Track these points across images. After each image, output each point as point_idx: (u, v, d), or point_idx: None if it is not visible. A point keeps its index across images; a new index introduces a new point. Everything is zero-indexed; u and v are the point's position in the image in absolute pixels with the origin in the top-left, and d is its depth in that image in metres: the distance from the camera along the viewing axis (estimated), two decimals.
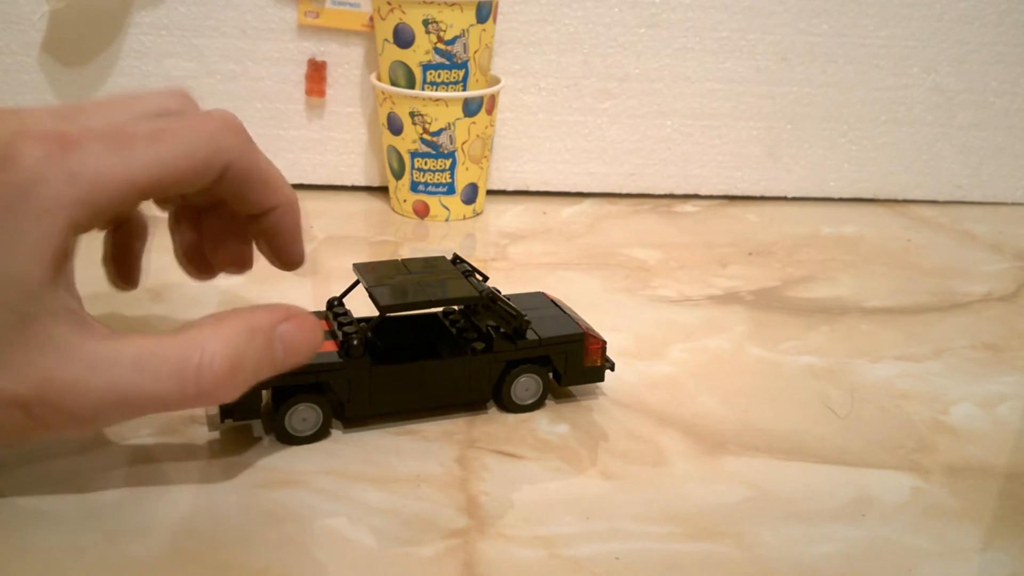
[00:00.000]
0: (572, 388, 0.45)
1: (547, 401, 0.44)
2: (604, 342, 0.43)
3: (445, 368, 0.41)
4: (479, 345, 0.42)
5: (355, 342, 0.39)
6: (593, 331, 0.43)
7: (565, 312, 0.45)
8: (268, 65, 0.71)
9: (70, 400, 0.30)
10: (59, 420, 0.31)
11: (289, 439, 0.39)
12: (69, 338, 0.30)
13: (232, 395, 0.33)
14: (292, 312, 0.35)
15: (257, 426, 0.40)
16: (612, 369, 0.44)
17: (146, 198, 0.34)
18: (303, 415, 0.39)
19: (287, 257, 0.40)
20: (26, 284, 0.30)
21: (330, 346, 0.40)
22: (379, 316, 0.40)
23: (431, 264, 0.44)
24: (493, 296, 0.41)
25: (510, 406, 0.43)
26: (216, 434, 0.39)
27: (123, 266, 0.41)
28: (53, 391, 0.30)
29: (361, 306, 0.46)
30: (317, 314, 0.43)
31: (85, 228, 0.32)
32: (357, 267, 0.43)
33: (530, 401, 0.43)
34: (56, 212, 0.30)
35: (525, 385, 0.42)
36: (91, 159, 0.31)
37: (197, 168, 0.33)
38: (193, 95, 0.39)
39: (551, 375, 0.43)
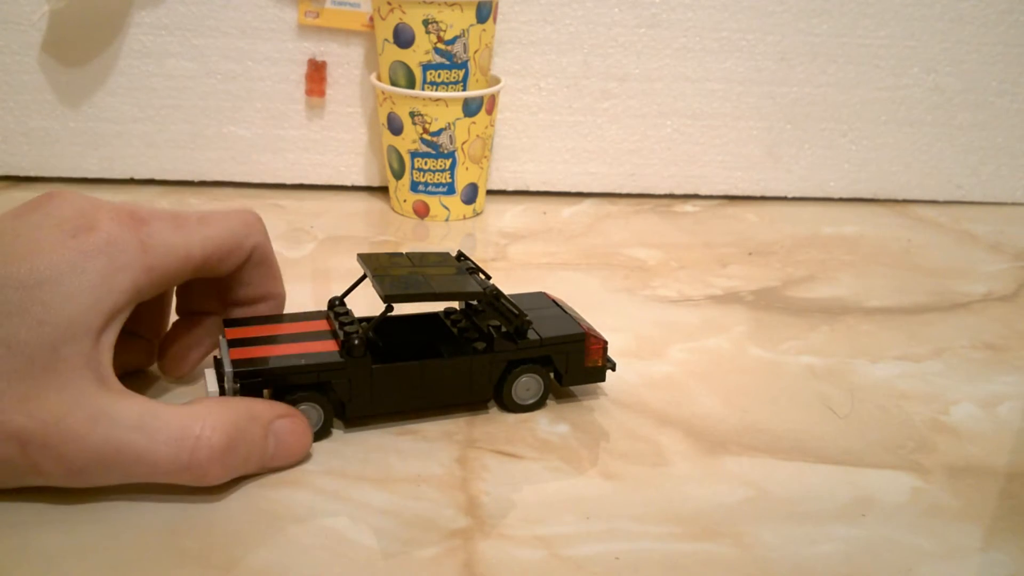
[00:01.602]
0: (573, 388, 0.45)
1: (547, 401, 0.44)
2: (605, 342, 0.43)
3: (446, 368, 0.41)
4: (480, 345, 0.42)
5: (356, 341, 0.39)
6: (594, 331, 0.43)
7: (566, 312, 0.45)
8: (268, 65, 0.71)
9: (68, 447, 0.32)
10: (51, 466, 0.32)
11: None
12: (87, 387, 0.33)
13: (220, 476, 0.35)
14: (290, 412, 0.38)
15: None
16: (613, 369, 0.44)
17: (197, 274, 0.38)
18: (305, 414, 0.39)
19: None
20: (75, 330, 0.33)
21: (331, 345, 0.40)
22: (381, 314, 0.40)
23: (436, 259, 0.44)
24: (496, 294, 0.41)
25: (511, 406, 0.43)
26: None
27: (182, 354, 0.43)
28: (55, 433, 0.32)
29: (362, 306, 0.47)
30: (318, 313, 0.43)
31: (145, 295, 0.36)
32: (362, 257, 0.43)
33: (531, 401, 0.43)
34: (125, 273, 0.34)
35: (526, 385, 0.42)
36: (159, 233, 0.36)
37: (235, 245, 0.39)
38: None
39: (552, 375, 0.43)
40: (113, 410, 0.33)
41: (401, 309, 0.44)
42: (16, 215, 0.35)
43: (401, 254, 0.44)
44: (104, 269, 0.34)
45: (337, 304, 0.43)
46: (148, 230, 0.36)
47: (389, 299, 0.39)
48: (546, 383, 0.43)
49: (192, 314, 0.43)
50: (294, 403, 0.38)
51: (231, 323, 0.41)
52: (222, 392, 0.38)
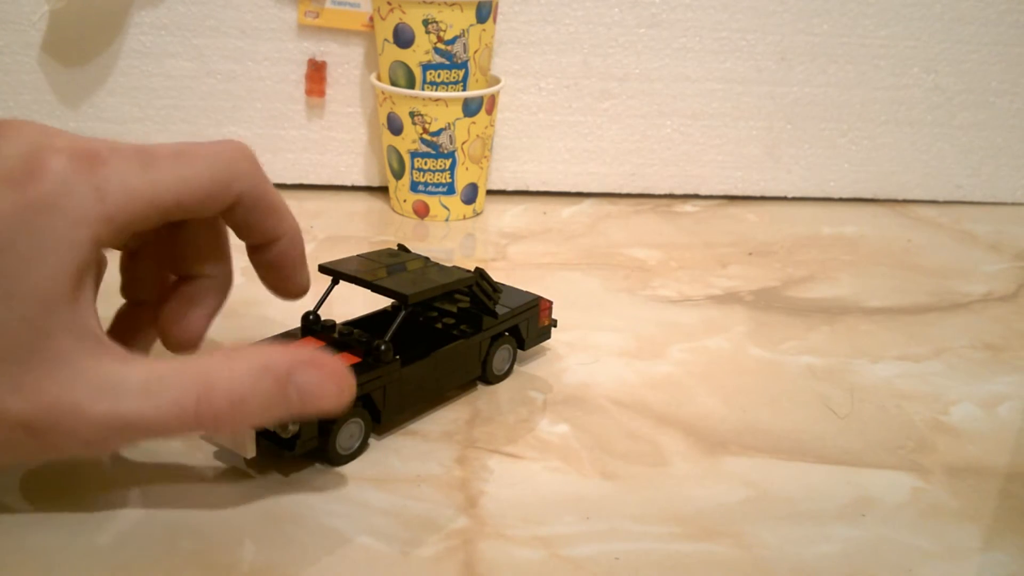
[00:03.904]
0: (572, 387, 0.45)
1: (547, 401, 0.44)
2: (551, 302, 0.47)
3: (452, 354, 0.42)
4: (466, 327, 0.43)
5: (382, 347, 0.38)
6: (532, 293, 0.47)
7: (501, 283, 0.48)
8: (268, 65, 0.71)
9: (75, 424, 0.30)
10: (65, 443, 0.30)
11: (338, 459, 0.38)
12: (82, 359, 0.30)
13: (236, 428, 0.32)
14: (317, 360, 0.32)
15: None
16: (555, 326, 0.48)
17: (168, 218, 0.33)
18: (350, 432, 0.38)
19: (292, 287, 0.39)
20: (46, 299, 0.29)
21: (349, 358, 0.39)
22: (403, 313, 0.39)
23: (389, 255, 0.44)
24: (483, 273, 0.43)
25: (492, 378, 0.45)
26: None
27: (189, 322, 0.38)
28: (59, 414, 0.30)
29: (334, 312, 0.46)
30: (292, 333, 0.42)
31: (107, 245, 0.32)
32: (327, 267, 0.42)
33: (505, 370, 0.46)
34: (81, 227, 0.30)
35: (502, 356, 0.45)
36: (117, 175, 0.31)
37: (216, 190, 0.33)
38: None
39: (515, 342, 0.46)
40: (115, 379, 0.30)
41: (363, 308, 0.45)
42: None
43: (362, 257, 0.43)
44: (59, 226, 0.29)
45: (312, 319, 0.41)
46: (105, 172, 0.30)
47: (415, 297, 0.39)
48: (514, 351, 0.46)
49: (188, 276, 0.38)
50: (342, 424, 0.37)
51: None
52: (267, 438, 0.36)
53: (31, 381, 0.29)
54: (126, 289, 0.38)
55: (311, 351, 0.33)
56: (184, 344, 0.37)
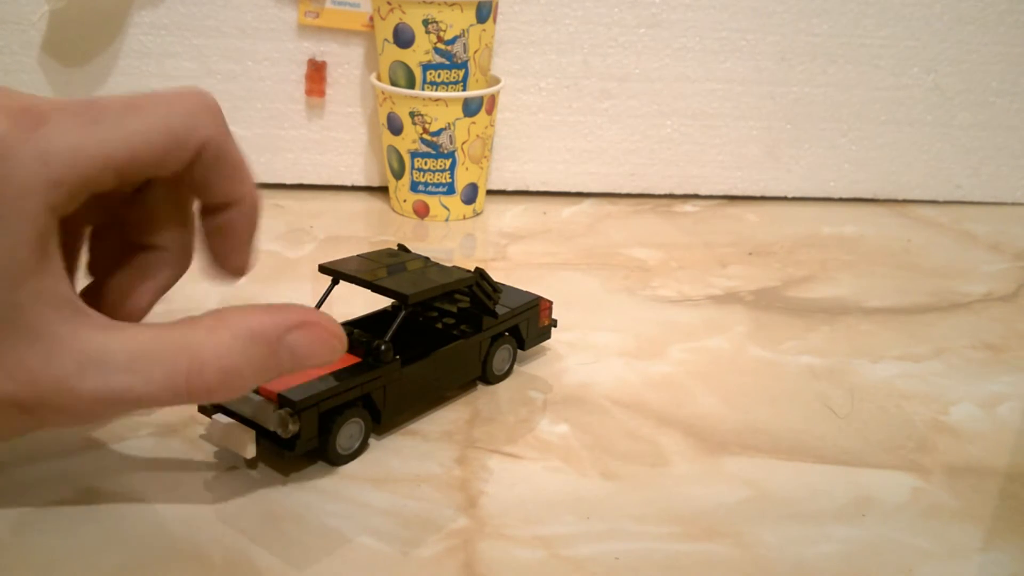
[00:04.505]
0: (572, 387, 0.45)
1: (547, 401, 0.44)
2: (551, 302, 0.47)
3: (453, 354, 0.42)
4: (466, 327, 0.43)
5: (382, 347, 0.38)
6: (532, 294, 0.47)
7: (501, 283, 0.48)
8: (268, 65, 0.71)
9: (64, 399, 0.29)
10: (57, 418, 0.30)
11: (338, 459, 0.38)
12: (60, 329, 0.28)
13: (228, 397, 0.31)
14: (306, 319, 0.32)
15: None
16: (555, 326, 0.48)
17: (124, 178, 0.30)
18: (350, 432, 0.38)
19: (234, 262, 0.36)
20: (9, 271, 0.27)
21: (348, 358, 0.39)
22: (403, 313, 0.39)
23: (389, 255, 0.44)
24: (483, 273, 0.43)
25: (491, 378, 0.45)
26: None
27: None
28: (46, 390, 0.29)
29: (335, 312, 0.46)
30: None
31: (66, 209, 0.29)
32: (327, 267, 0.42)
33: (505, 370, 0.45)
34: (29, 196, 0.27)
35: (502, 356, 0.45)
36: (60, 134, 0.28)
37: (174, 144, 0.31)
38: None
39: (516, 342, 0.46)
40: (99, 352, 0.29)
41: (363, 308, 0.45)
42: None
43: (362, 257, 0.43)
44: (3, 197, 0.27)
45: None
46: (46, 131, 0.28)
47: (415, 297, 0.39)
48: (513, 351, 0.46)
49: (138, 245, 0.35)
50: (342, 423, 0.37)
51: None
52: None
53: (10, 358, 0.28)
54: (92, 266, 0.36)
55: (299, 311, 0.32)
56: (126, 319, 0.34)
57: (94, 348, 0.29)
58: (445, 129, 0.65)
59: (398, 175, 0.69)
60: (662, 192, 0.77)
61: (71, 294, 0.29)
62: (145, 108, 0.30)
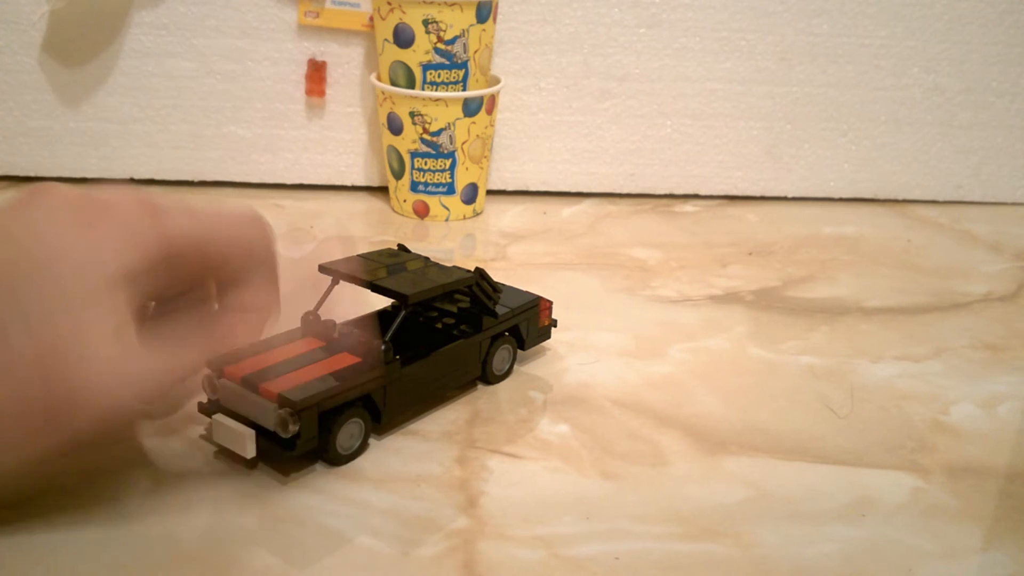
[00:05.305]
0: (572, 387, 0.45)
1: (547, 401, 0.44)
2: (551, 302, 0.47)
3: (453, 353, 0.42)
4: (466, 327, 0.43)
5: (382, 347, 0.38)
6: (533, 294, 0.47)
7: (501, 283, 0.48)
8: (268, 65, 0.71)
9: (88, 416, 0.32)
10: (86, 429, 0.32)
11: (338, 459, 0.38)
12: (100, 349, 0.32)
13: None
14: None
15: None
16: (555, 325, 0.48)
17: (208, 265, 0.36)
18: (350, 431, 0.38)
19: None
20: (103, 273, 0.32)
21: (349, 358, 0.39)
22: (403, 313, 0.39)
23: (389, 255, 0.44)
24: (483, 273, 0.43)
25: (491, 378, 0.45)
26: None
27: None
28: (82, 403, 0.31)
29: (335, 312, 0.46)
30: (297, 331, 0.41)
31: (156, 267, 0.34)
32: (327, 266, 0.42)
33: (505, 370, 0.45)
34: (139, 248, 0.33)
35: (501, 356, 0.45)
36: (175, 225, 0.34)
37: (247, 250, 0.37)
38: None
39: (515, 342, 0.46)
40: (118, 372, 0.32)
41: (363, 308, 0.45)
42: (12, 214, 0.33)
43: (362, 257, 0.43)
44: (117, 242, 0.32)
45: (312, 318, 0.41)
46: (164, 219, 0.34)
47: (415, 297, 0.39)
48: (513, 351, 0.46)
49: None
50: (342, 423, 0.37)
51: (219, 364, 0.38)
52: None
53: (60, 370, 0.31)
54: None
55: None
56: None
57: (115, 369, 0.32)
58: (445, 129, 0.65)
59: (398, 175, 0.69)
60: (662, 192, 0.77)
61: (127, 313, 0.33)
62: (228, 216, 0.37)
